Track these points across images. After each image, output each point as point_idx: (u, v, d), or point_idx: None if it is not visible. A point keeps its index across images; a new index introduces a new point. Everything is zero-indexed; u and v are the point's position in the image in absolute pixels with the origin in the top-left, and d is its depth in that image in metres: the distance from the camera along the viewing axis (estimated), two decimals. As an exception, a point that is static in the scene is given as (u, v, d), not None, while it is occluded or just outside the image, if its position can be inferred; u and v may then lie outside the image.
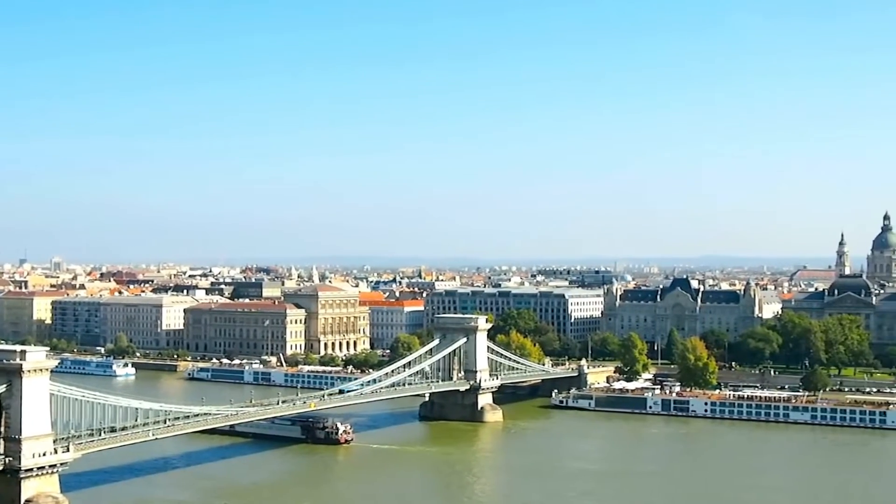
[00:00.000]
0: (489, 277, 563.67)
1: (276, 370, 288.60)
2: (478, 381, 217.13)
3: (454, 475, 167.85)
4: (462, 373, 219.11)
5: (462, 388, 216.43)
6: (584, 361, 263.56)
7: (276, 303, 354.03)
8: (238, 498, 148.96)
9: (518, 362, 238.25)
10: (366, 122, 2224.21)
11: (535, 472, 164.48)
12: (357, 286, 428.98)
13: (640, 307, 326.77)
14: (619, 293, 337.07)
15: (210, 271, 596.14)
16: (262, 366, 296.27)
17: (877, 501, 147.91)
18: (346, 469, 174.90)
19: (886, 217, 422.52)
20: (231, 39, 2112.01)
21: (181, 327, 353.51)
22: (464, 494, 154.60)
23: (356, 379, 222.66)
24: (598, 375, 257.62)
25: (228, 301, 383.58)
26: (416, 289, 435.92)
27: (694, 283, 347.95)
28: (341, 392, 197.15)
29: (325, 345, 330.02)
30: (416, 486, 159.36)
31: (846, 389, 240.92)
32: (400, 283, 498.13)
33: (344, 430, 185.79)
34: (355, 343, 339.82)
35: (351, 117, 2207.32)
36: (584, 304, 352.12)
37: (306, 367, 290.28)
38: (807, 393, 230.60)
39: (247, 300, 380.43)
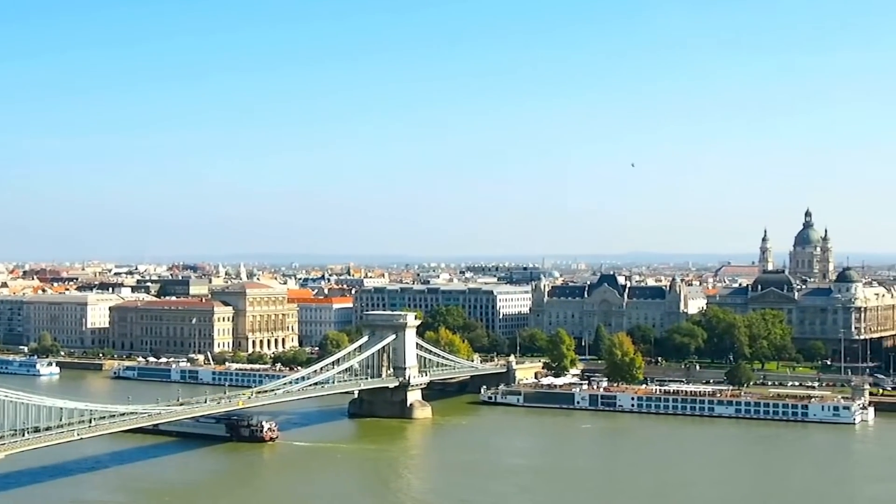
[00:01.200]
0: (418, 274, 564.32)
1: (204, 368, 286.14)
2: (407, 377, 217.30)
3: (383, 472, 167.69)
4: (391, 370, 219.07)
5: (391, 385, 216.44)
6: (512, 357, 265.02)
7: (204, 300, 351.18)
8: (169, 498, 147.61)
9: (447, 359, 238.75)
10: (287, 121, 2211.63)
11: (466, 468, 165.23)
12: (285, 283, 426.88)
13: (567, 303, 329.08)
14: (546, 289, 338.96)
15: (136, 269, 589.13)
16: (189, 364, 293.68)
17: (798, 493, 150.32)
18: (271, 467, 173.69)
19: (808, 214, 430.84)
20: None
21: (107, 326, 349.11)
22: (392, 492, 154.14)
23: (284, 377, 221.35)
24: (527, 371, 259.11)
25: (155, 299, 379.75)
26: (344, 286, 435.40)
27: (621, 280, 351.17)
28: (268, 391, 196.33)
29: (253, 342, 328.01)
30: (344, 483, 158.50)
31: (769, 383, 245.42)
32: (328, 280, 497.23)
33: (269, 428, 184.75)
34: (284, 341, 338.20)
35: (280, 115, 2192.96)
36: (513, 301, 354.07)
37: (234, 366, 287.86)
38: (731, 387, 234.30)
39: (173, 298, 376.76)
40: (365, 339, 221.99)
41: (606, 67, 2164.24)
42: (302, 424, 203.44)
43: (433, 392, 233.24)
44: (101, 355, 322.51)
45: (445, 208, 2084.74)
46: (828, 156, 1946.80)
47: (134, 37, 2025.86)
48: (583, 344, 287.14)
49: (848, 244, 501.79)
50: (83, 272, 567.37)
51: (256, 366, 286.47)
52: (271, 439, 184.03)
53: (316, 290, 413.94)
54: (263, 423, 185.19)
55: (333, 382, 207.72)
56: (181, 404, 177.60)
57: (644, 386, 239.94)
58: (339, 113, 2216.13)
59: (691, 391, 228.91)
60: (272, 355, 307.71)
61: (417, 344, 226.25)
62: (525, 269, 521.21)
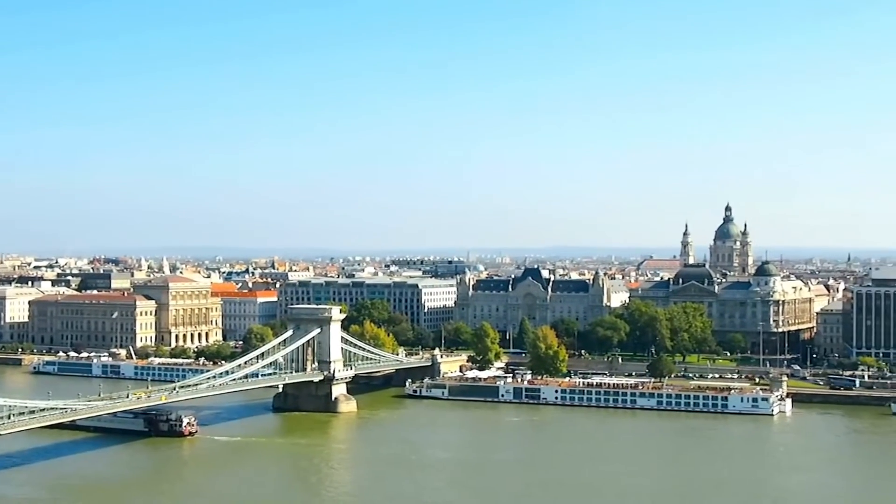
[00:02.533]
0: (343, 268, 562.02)
1: (126, 363, 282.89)
2: (332, 371, 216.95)
3: (307, 466, 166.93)
4: (316, 363, 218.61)
5: (316, 379, 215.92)
6: (437, 351, 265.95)
7: (126, 294, 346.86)
8: (87, 493, 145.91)
9: (372, 352, 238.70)
10: (211, 115, 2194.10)
11: (392, 462, 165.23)
12: (209, 277, 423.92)
13: (492, 297, 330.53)
14: (471, 283, 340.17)
15: (56, 262, 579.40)
16: (111, 359, 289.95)
17: (719, 484, 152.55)
18: (189, 462, 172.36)
19: (728, 208, 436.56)
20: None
21: (26, 320, 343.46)
22: (317, 486, 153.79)
23: (208, 371, 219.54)
24: (452, 365, 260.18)
25: (76, 293, 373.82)
26: (269, 280, 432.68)
27: (545, 273, 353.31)
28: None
29: (177, 337, 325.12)
30: (266, 477, 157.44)
31: (690, 376, 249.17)
32: (253, 273, 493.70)
33: (188, 423, 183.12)
34: (207, 335, 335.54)
35: (204, 109, 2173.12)
36: (438, 294, 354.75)
37: (157, 360, 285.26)
38: (653, 379, 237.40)
39: (95, 292, 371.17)
40: (289, 332, 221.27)
41: (521, 62, 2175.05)
42: (225, 419, 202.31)
43: (358, 386, 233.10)
44: (20, 350, 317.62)
45: (370, 202, 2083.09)
46: (747, 152, 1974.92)
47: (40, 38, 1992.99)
48: (507, 337, 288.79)
49: (766, 239, 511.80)
50: (1, 265, 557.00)
51: (180, 360, 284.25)
52: (190, 434, 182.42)
53: (240, 284, 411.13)
54: (182, 417, 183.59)
55: (258, 376, 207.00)
56: (102, 399, 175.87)
57: (568, 379, 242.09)
58: (263, 107, 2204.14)
59: (614, 384, 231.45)
60: (196, 349, 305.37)
61: (342, 338, 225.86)
62: (450, 262, 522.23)
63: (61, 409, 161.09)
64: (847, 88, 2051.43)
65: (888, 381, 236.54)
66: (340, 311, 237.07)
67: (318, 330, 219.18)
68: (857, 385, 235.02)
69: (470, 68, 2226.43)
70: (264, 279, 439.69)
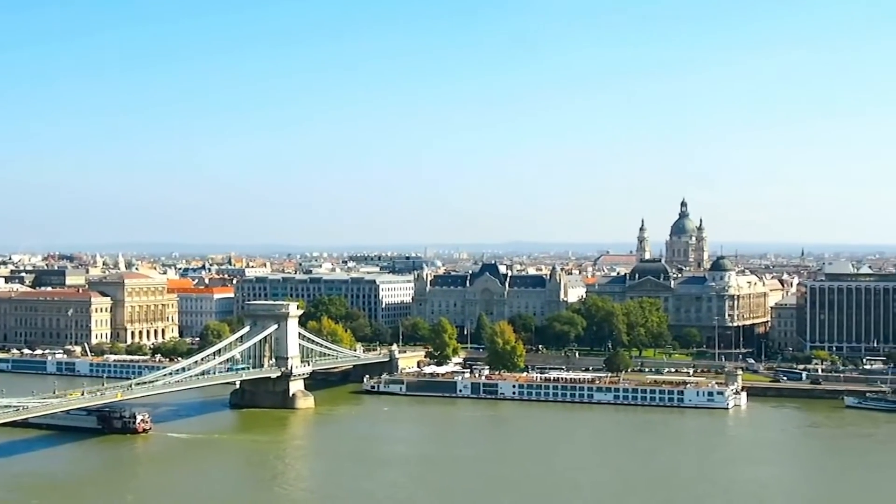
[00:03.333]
0: (300, 264, 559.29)
1: (81, 360, 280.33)
2: (289, 367, 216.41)
3: (264, 463, 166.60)
4: (273, 360, 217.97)
5: (273, 376, 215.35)
6: (395, 346, 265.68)
7: (81, 291, 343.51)
8: (41, 492, 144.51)
9: (329, 348, 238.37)
10: (167, 111, 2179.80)
11: (350, 458, 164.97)
12: (165, 273, 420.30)
13: (449, 292, 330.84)
14: (429, 279, 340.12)
15: (10, 259, 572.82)
16: (65, 356, 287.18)
17: (676, 477, 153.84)
18: (143, 459, 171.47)
19: (683, 204, 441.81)
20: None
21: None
22: (275, 483, 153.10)
23: (164, 368, 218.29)
24: (409, 360, 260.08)
25: (30, 289, 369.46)
26: (225, 276, 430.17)
27: (502, 269, 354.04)
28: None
29: (133, 333, 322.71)
30: (221, 474, 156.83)
31: (646, 370, 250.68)
32: (209, 270, 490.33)
33: (142, 420, 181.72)
34: (163, 331, 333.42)
35: (159, 105, 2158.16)
36: (395, 290, 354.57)
37: (112, 357, 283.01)
38: (610, 374, 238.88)
39: (49, 288, 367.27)
40: (246, 329, 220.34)
41: (476, 57, 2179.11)
42: (181, 416, 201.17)
43: (316, 382, 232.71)
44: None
45: (328, 198, 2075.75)
46: (703, 147, 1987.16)
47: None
48: (465, 333, 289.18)
49: (722, 234, 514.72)
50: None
51: (135, 357, 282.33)
52: (144, 431, 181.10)
53: (196, 280, 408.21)
54: (136, 414, 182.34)
55: (214, 373, 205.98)
56: (57, 397, 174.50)
57: (525, 374, 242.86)
58: (218, 104, 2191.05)
59: (571, 378, 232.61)
60: (152, 346, 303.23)
61: (300, 334, 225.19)
62: (407, 258, 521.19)
63: (14, 407, 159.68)
64: (799, 81, 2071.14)
65: (840, 375, 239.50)
66: (298, 307, 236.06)
67: (276, 326, 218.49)
68: (804, 378, 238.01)
69: (426, 64, 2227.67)
70: (221, 275, 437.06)
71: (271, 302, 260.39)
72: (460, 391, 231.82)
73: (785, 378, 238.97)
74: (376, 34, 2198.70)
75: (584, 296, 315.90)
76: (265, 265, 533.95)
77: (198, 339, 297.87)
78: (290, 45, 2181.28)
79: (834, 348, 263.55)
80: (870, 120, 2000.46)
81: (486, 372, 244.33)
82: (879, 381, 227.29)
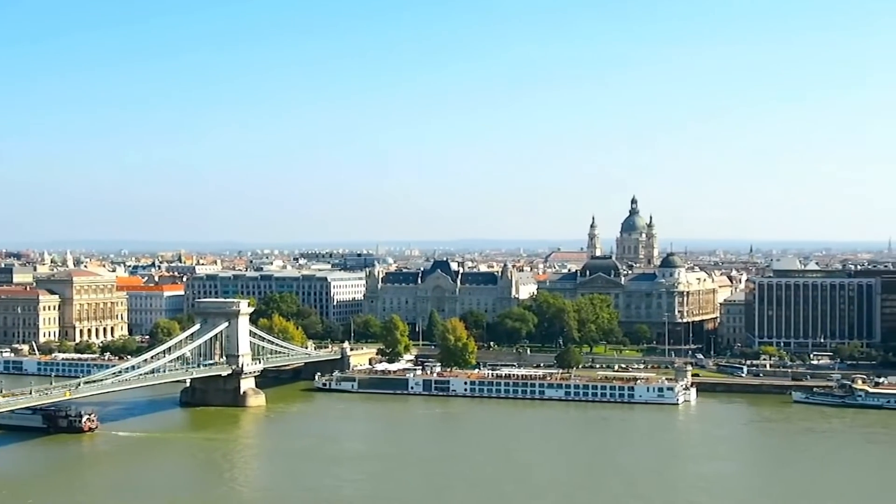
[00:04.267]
0: (251, 261, 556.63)
1: (29, 359, 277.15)
2: (240, 365, 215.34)
3: (214, 462, 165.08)
4: (224, 357, 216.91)
5: (224, 373, 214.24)
6: (346, 344, 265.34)
7: (28, 289, 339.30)
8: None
9: (281, 346, 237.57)
10: (114, 110, 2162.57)
11: (302, 456, 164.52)
12: (114, 271, 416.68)
13: (401, 289, 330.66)
14: (380, 276, 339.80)
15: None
16: (13, 354, 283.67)
17: (628, 473, 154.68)
18: (88, 458, 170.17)
19: (634, 201, 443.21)
20: None
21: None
22: (226, 482, 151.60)
23: (114, 366, 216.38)
24: (361, 357, 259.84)
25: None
26: (176, 273, 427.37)
27: (453, 266, 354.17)
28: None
29: (81, 331, 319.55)
30: (169, 473, 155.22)
31: (597, 366, 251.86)
32: (159, 267, 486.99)
33: (87, 419, 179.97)
34: (113, 329, 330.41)
35: (106, 103, 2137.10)
36: (347, 287, 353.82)
37: (61, 355, 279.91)
38: (561, 370, 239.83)
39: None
40: (197, 326, 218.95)
41: (427, 54, 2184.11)
42: (130, 414, 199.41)
43: (267, 380, 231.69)
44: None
45: (279, 195, 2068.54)
46: (652, 145, 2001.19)
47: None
48: (416, 330, 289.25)
49: (671, 231, 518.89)
50: None
51: (84, 355, 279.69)
52: (90, 430, 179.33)
53: (146, 278, 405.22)
54: (82, 413, 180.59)
55: (164, 371, 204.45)
56: (4, 396, 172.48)
57: (477, 370, 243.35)
58: (168, 101, 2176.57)
59: (523, 375, 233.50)
60: (101, 345, 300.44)
61: (251, 331, 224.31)
62: (359, 255, 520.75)
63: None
64: (746, 76, 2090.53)
65: (788, 370, 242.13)
66: (248, 305, 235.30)
67: (226, 324, 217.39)
68: (745, 373, 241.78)
69: (378, 63, 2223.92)
70: (171, 273, 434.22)
71: (222, 300, 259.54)
72: (412, 388, 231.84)
73: (725, 372, 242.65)
74: (328, 34, 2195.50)
75: (536, 293, 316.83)
76: (216, 262, 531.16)
77: (147, 337, 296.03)
78: (244, 44, 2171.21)
79: (782, 344, 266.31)
80: (814, 115, 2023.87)
81: (438, 369, 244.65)
82: (824, 377, 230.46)
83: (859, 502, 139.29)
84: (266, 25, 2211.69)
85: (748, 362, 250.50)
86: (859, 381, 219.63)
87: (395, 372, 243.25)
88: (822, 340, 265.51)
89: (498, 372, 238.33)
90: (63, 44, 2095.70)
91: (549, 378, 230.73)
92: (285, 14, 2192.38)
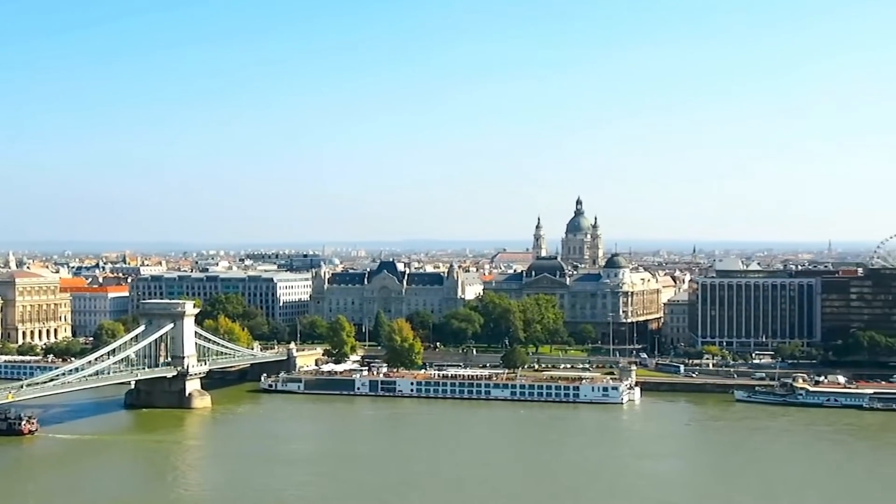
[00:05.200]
0: (196, 262, 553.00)
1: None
2: (185, 366, 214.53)
3: (158, 463, 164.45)
4: (169, 359, 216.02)
5: (169, 375, 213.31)
6: (292, 345, 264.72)
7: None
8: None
9: (227, 347, 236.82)
10: (56, 107, 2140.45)
11: (247, 457, 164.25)
12: (58, 272, 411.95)
13: (347, 290, 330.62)
14: (327, 277, 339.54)
15: None
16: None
17: (573, 472, 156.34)
18: (26, 461, 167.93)
19: (579, 202, 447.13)
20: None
21: None
22: (170, 485, 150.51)
23: (57, 368, 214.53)
24: (308, 358, 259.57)
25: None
26: (120, 274, 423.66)
27: (400, 266, 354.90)
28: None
29: (24, 333, 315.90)
30: (111, 476, 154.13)
31: (543, 366, 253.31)
32: (103, 268, 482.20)
33: (27, 421, 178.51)
34: (56, 331, 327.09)
35: (48, 101, 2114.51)
36: (293, 288, 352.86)
37: (3, 357, 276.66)
38: (507, 370, 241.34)
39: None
40: (142, 328, 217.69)
41: (369, 55, 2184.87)
42: (73, 417, 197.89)
43: (213, 381, 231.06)
44: None
45: (225, 196, 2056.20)
46: (597, 146, 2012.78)
47: None
48: (363, 330, 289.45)
49: (616, 231, 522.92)
50: None
51: (27, 357, 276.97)
52: (30, 432, 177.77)
53: (90, 279, 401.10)
54: (21, 415, 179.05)
55: (109, 373, 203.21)
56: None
57: (423, 371, 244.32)
58: (112, 101, 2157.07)
59: (469, 375, 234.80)
60: (44, 347, 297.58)
61: (196, 332, 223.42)
62: (305, 256, 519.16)
63: None
64: (687, 76, 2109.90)
65: (730, 369, 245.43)
66: (194, 306, 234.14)
67: (172, 325, 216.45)
68: (682, 372, 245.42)
69: (323, 63, 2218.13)
70: (115, 274, 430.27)
71: (167, 301, 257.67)
72: (358, 389, 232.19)
73: (665, 371, 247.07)
74: (268, 35, 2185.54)
75: (482, 293, 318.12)
76: (161, 263, 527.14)
77: (92, 338, 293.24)
78: (183, 46, 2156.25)
79: (724, 343, 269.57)
80: (758, 115, 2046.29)
81: (385, 370, 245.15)
82: (767, 375, 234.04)
83: (804, 497, 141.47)
84: (196, 28, 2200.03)
85: (690, 361, 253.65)
86: (800, 380, 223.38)
87: (341, 373, 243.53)
88: (763, 340, 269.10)
89: (444, 372, 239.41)
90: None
91: (495, 378, 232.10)
92: (221, 16, 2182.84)
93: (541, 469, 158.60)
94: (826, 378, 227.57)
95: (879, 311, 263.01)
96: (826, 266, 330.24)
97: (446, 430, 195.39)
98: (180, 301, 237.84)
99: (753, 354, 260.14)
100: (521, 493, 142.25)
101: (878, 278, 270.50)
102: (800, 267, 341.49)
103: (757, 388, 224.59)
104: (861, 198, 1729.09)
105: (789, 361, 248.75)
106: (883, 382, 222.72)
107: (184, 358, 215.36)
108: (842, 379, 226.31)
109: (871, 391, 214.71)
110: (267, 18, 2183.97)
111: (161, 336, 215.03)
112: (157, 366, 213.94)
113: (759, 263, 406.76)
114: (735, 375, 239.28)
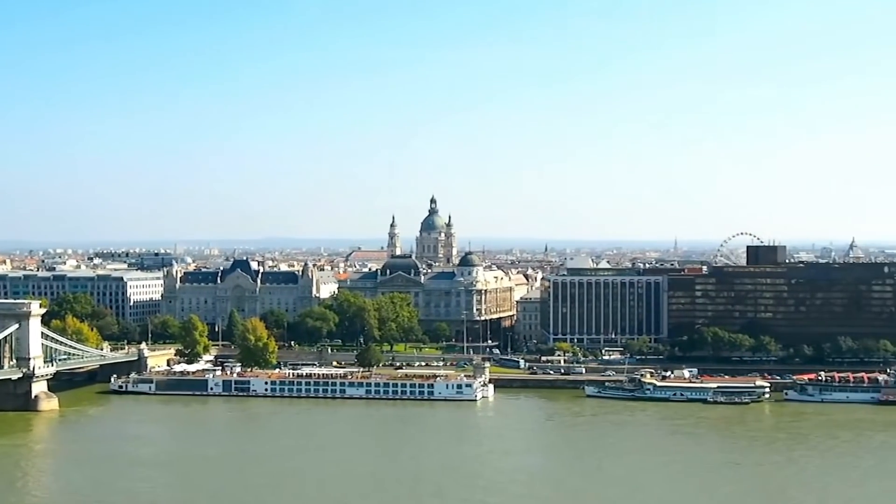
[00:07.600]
0: (43, 261, 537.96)
1: None
2: (31, 368, 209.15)
3: (3, 469, 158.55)
4: (14, 360, 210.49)
5: (14, 377, 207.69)
6: (143, 345, 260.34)
7: None
8: None
9: (75, 348, 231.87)
10: None
11: (96, 460, 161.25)
12: None
13: (200, 289, 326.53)
14: (178, 275, 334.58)
15: None
16: None
17: (428, 470, 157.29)
18: None
19: (433, 200, 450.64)
20: None
21: None
22: (15, 491, 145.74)
23: None
24: (159, 359, 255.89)
25: None
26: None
27: (254, 265, 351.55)
28: None
29: None
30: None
31: (398, 364, 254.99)
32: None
33: None
34: None
35: None
36: (144, 287, 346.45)
37: None
38: (362, 369, 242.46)
39: None
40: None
41: (225, 54, 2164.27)
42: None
43: (60, 383, 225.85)
44: None
45: (72, 193, 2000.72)
46: (451, 143, 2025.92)
47: None
48: (216, 330, 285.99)
49: (470, 230, 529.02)
50: None
51: None
52: None
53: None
54: None
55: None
56: None
57: (277, 370, 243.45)
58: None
59: (324, 374, 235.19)
60: None
61: (42, 333, 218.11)
62: (156, 255, 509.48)
63: None
64: (537, 73, 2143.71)
65: (581, 365, 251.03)
66: (40, 306, 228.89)
67: (17, 325, 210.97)
68: (522, 366, 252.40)
69: (183, 60, 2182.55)
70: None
71: (11, 300, 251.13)
72: (212, 389, 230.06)
73: (504, 366, 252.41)
74: (134, 34, 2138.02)
75: (336, 292, 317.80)
76: (5, 262, 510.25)
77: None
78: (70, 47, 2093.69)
79: (575, 340, 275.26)
80: (607, 117, 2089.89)
81: (238, 369, 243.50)
82: (615, 371, 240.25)
83: (658, 488, 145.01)
84: (70, 29, 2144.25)
85: (541, 357, 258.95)
86: (647, 375, 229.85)
87: (194, 373, 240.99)
88: (613, 336, 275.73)
89: (299, 371, 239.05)
90: None
91: (350, 377, 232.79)
92: (90, 15, 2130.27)
93: (401, 467, 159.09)
94: (672, 373, 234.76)
95: (722, 308, 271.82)
96: (672, 264, 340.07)
97: (302, 430, 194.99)
98: (25, 301, 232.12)
99: (603, 350, 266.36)
100: (383, 492, 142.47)
101: (722, 276, 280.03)
102: (647, 265, 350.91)
103: (607, 383, 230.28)
104: (706, 197, 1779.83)
105: (638, 357, 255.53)
106: (726, 377, 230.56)
107: (29, 359, 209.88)
108: (687, 374, 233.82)
109: (714, 385, 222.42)
110: (132, 18, 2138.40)
111: (5, 337, 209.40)
112: (1, 368, 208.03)
113: (608, 262, 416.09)
114: (584, 371, 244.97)
